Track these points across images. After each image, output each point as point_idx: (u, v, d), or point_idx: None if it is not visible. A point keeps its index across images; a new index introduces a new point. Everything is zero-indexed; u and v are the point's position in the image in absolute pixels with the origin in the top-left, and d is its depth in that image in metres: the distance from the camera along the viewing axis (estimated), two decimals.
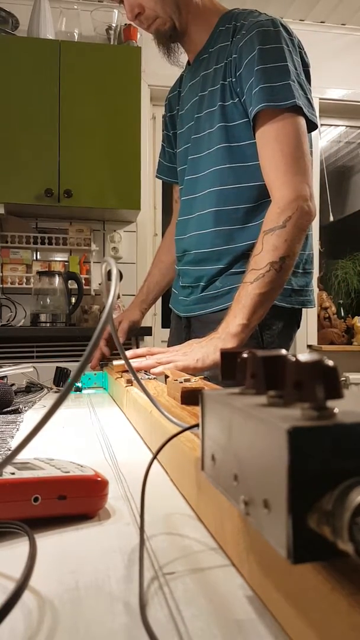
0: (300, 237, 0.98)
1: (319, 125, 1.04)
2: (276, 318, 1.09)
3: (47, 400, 0.98)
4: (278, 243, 0.94)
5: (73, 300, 2.48)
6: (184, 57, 1.23)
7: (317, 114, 1.04)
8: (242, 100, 1.05)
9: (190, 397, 0.59)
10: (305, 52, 1.08)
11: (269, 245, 0.95)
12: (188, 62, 1.26)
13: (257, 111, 0.99)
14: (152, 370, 0.89)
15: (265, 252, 0.95)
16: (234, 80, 1.06)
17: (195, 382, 0.66)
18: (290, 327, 1.14)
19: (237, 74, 1.04)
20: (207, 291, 1.16)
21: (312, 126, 1.03)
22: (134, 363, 0.90)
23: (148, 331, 2.25)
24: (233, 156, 1.09)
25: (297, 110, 0.98)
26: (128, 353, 0.94)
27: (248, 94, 1.01)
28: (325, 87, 2.97)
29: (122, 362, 0.94)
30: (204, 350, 0.92)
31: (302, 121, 1.00)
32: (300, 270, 1.11)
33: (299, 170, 0.98)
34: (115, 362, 1.01)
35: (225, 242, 1.11)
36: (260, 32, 1.01)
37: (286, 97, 0.97)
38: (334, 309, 3.28)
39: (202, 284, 1.17)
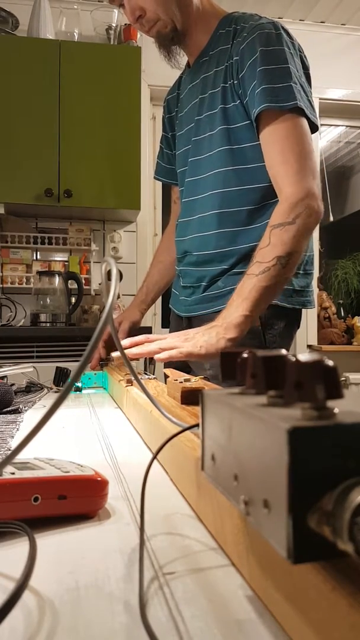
0: (307, 236, 0.97)
1: (319, 127, 1.05)
2: (278, 318, 1.10)
3: (47, 400, 0.98)
4: (286, 238, 0.94)
5: (73, 300, 2.48)
6: (183, 59, 1.23)
7: (317, 114, 1.05)
8: (244, 102, 1.05)
9: (190, 397, 0.59)
10: (305, 55, 1.08)
11: (277, 239, 0.94)
12: (188, 64, 1.26)
13: (260, 111, 0.99)
14: (157, 357, 0.87)
15: (273, 246, 0.94)
16: (235, 82, 1.06)
17: (195, 382, 0.66)
18: (291, 327, 1.15)
19: (239, 76, 1.04)
20: (209, 291, 1.16)
21: (313, 128, 1.03)
22: (137, 350, 0.89)
23: (148, 331, 2.24)
24: (235, 158, 1.09)
25: (300, 111, 0.99)
26: (126, 341, 0.92)
27: (250, 95, 1.02)
28: (325, 87, 2.97)
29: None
30: (206, 338, 0.90)
31: (306, 122, 1.01)
32: (301, 271, 1.12)
33: (309, 169, 0.98)
34: (114, 354, 1.00)
35: (229, 243, 1.11)
36: (262, 35, 1.01)
37: (288, 99, 0.97)
38: (334, 309, 3.28)
39: (203, 284, 1.17)
